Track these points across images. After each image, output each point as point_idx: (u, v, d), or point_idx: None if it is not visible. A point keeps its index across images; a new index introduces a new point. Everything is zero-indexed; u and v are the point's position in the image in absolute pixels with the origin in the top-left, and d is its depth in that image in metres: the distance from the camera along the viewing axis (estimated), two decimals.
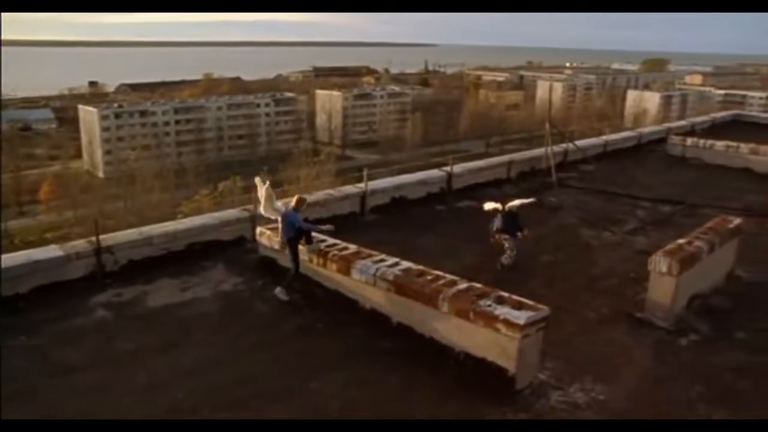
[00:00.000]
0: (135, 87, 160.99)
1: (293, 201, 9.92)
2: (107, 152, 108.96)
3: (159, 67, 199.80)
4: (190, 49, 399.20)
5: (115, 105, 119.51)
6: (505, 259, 11.21)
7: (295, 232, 9.55)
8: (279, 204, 10.13)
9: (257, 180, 10.19)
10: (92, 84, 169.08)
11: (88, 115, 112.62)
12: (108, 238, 10.45)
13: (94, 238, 10.16)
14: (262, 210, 10.08)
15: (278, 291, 9.65)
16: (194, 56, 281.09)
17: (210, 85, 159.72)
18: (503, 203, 11.50)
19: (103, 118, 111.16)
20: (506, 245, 11.22)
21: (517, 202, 11.54)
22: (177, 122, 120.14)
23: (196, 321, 9.07)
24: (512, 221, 11.31)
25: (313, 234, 9.68)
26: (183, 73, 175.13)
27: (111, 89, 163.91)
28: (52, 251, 10.00)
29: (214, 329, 8.86)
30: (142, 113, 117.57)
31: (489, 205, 11.60)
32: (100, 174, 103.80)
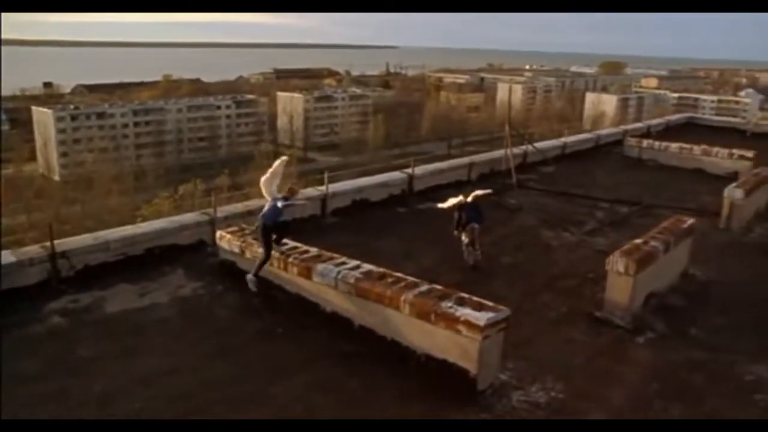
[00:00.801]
0: (92, 88, 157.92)
1: (286, 190, 9.71)
2: (63, 155, 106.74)
3: (116, 69, 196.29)
4: (148, 50, 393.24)
5: (71, 107, 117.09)
6: (477, 254, 11.32)
7: (274, 222, 9.42)
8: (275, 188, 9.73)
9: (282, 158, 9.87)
10: (47, 85, 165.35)
11: (43, 116, 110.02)
12: (63, 243, 10.21)
13: (48, 244, 9.91)
14: (261, 181, 9.66)
15: (249, 278, 9.53)
16: (153, 57, 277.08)
17: (169, 87, 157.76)
18: (464, 196, 11.64)
19: (59, 119, 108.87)
20: (471, 241, 11.34)
21: (479, 192, 11.67)
22: (136, 124, 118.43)
23: (155, 327, 8.93)
24: (479, 211, 11.45)
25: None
26: (141, 75, 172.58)
27: (66, 90, 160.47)
28: (5, 257, 9.69)
29: (173, 335, 8.73)
30: (100, 115, 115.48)
31: (448, 202, 11.67)
32: (56, 177, 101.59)
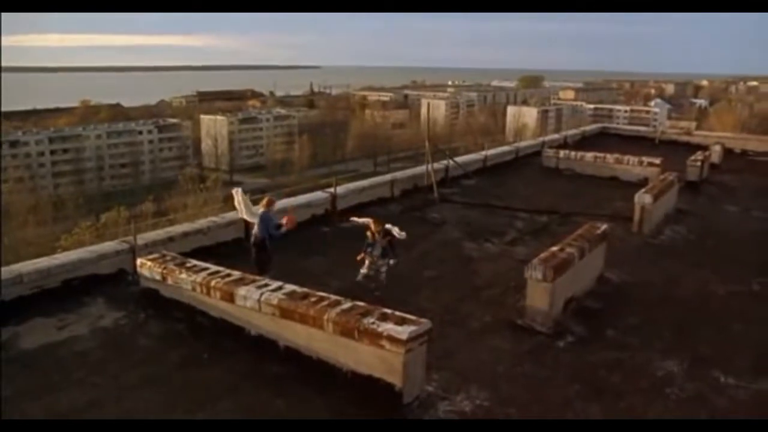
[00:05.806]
0: (3, 115, 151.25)
1: (264, 203, 11.16)
2: None
3: (29, 94, 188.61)
4: (62, 74, 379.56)
5: None
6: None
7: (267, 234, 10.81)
8: (255, 208, 11.51)
9: (233, 191, 12.06)
10: None
11: None
12: None
13: None
14: (244, 215, 11.76)
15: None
16: (68, 82, 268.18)
17: (88, 113, 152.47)
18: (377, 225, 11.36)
19: None
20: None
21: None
22: (53, 152, 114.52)
23: (75, 360, 8.65)
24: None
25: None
26: (57, 100, 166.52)
27: None
28: None
29: (95, 367, 8.48)
30: (13, 143, 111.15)
31: (364, 219, 11.74)
32: None
